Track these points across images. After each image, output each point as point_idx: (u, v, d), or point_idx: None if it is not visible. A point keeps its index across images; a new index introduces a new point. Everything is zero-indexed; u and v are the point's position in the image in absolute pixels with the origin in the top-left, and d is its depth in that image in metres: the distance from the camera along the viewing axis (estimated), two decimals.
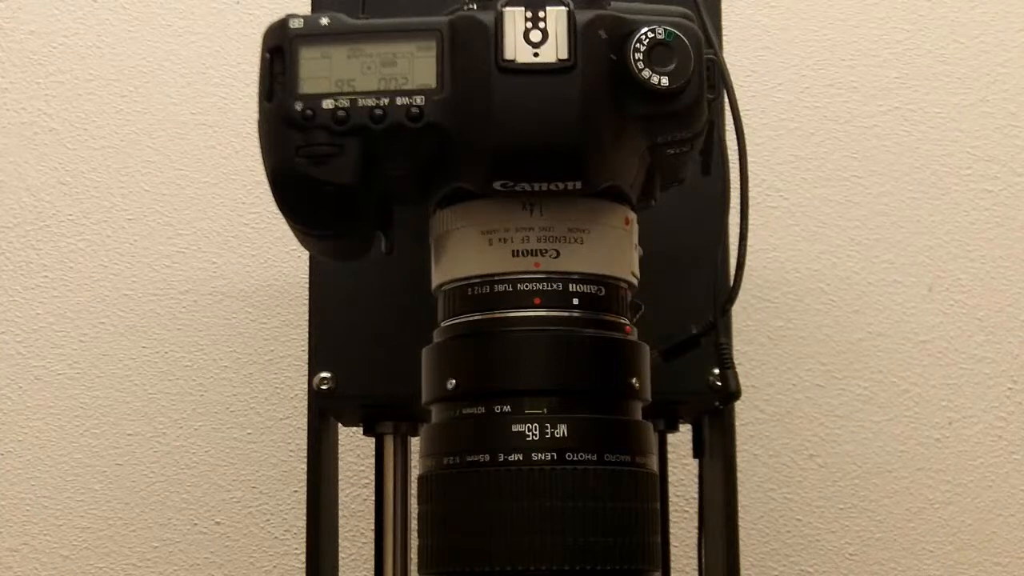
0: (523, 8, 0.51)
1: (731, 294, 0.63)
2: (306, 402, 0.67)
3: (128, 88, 0.99)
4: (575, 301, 0.53)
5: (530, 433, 0.51)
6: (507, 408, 0.52)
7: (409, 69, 0.51)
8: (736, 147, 0.61)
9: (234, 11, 1.00)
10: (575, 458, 0.51)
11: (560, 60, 0.50)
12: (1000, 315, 0.96)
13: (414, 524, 0.61)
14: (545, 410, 0.52)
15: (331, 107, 0.51)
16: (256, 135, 0.53)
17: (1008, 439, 0.95)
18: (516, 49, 0.50)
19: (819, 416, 0.95)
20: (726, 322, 0.65)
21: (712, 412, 0.69)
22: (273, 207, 0.53)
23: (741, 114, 0.60)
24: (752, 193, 0.63)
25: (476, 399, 0.53)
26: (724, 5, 0.69)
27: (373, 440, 0.74)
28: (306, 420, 0.68)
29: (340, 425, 0.74)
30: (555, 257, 0.54)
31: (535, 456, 0.51)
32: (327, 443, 0.69)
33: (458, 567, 0.52)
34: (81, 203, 0.97)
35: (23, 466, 0.95)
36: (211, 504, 0.95)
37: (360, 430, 0.75)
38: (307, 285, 0.68)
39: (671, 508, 0.84)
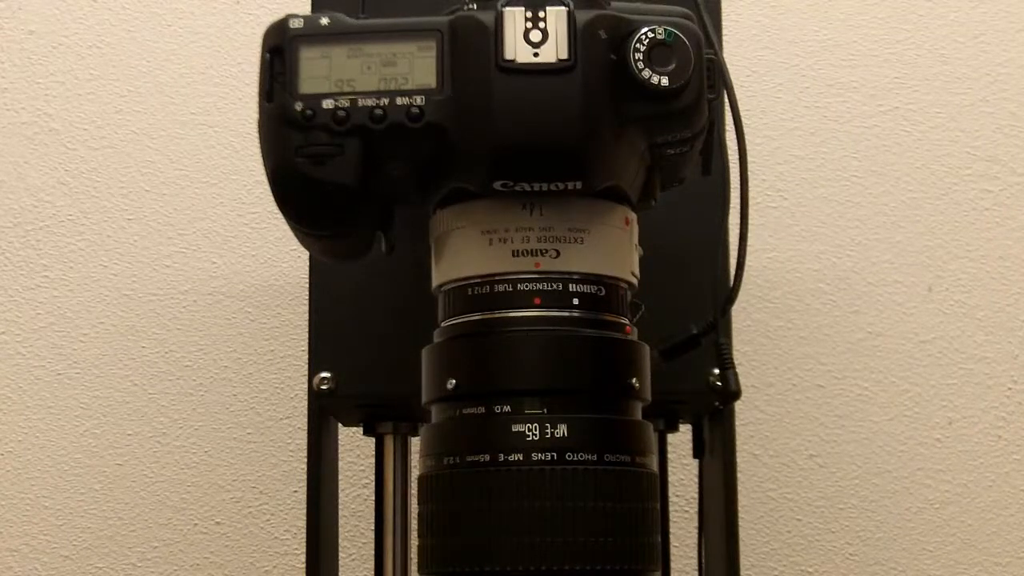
0: (523, 8, 0.51)
1: (731, 294, 0.63)
2: (306, 402, 0.67)
3: (128, 88, 0.99)
4: (575, 301, 0.53)
5: (530, 433, 0.51)
6: (507, 408, 0.52)
7: (409, 69, 0.51)
8: (736, 147, 0.61)
9: (234, 11, 1.00)
10: (575, 458, 0.51)
11: (560, 60, 0.50)
12: (1000, 315, 0.96)
13: (414, 524, 0.61)
14: (545, 410, 0.52)
15: (331, 107, 0.51)
16: (256, 135, 0.53)
17: (1008, 439, 0.95)
18: (516, 49, 0.50)
19: (819, 416, 0.95)
20: (726, 322, 0.65)
21: (712, 412, 0.69)
22: (273, 207, 0.53)
23: (741, 114, 0.60)
24: (752, 193, 0.63)
25: (476, 399, 0.53)
26: (724, 5, 0.69)
27: (373, 440, 0.74)
28: (306, 420, 0.68)
29: (340, 425, 0.74)
30: (555, 257, 0.54)
31: (535, 456, 0.51)
32: (327, 443, 0.69)
33: (458, 567, 0.52)
34: (81, 203, 0.97)
35: (23, 466, 0.95)
36: (211, 504, 0.95)
37: (360, 430, 0.75)
38: (307, 285, 0.68)
39: (671, 508, 0.84)
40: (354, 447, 0.93)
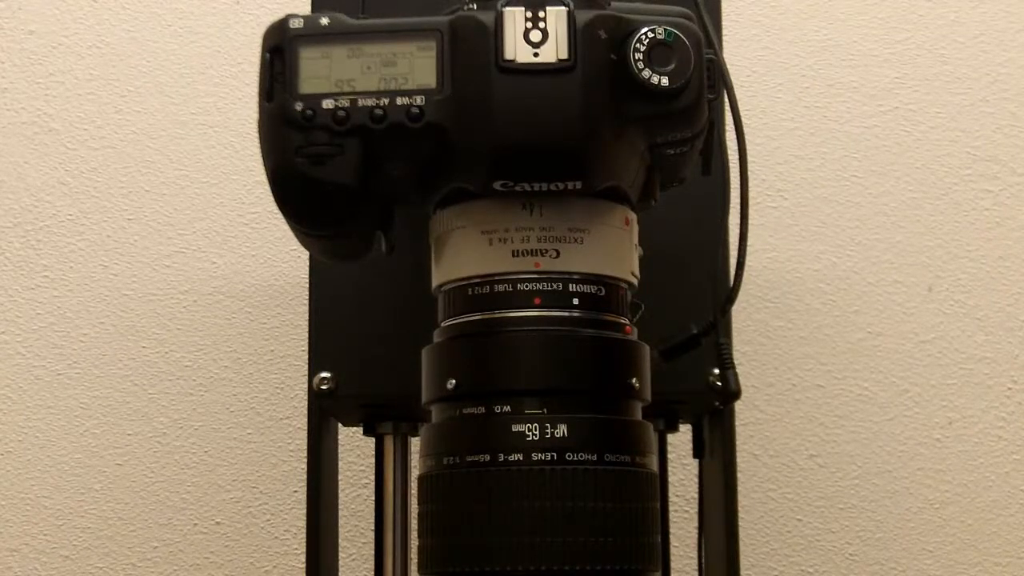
0: (523, 8, 0.51)
1: (731, 294, 0.63)
2: (306, 402, 0.67)
3: (128, 88, 0.99)
4: (575, 301, 0.53)
5: (530, 433, 0.51)
6: (507, 408, 0.52)
7: (409, 69, 0.51)
8: (736, 147, 0.61)
9: (234, 11, 1.00)
10: (575, 458, 0.51)
11: (560, 60, 0.50)
12: (1000, 315, 0.96)
13: (414, 524, 0.61)
14: (545, 410, 0.52)
15: (331, 107, 0.51)
16: (256, 135, 0.53)
17: (1008, 439, 0.95)
18: (516, 49, 0.50)
19: (819, 416, 0.95)
20: (726, 322, 0.65)
21: (712, 412, 0.69)
22: (273, 207, 0.53)
23: (741, 114, 0.60)
24: (752, 193, 0.63)
25: (476, 399, 0.53)
26: (724, 5, 0.69)
27: (373, 440, 0.74)
28: (306, 420, 0.68)
29: (340, 425, 0.74)
30: (555, 257, 0.54)
31: (535, 456, 0.51)
32: (327, 443, 0.69)
33: (458, 567, 0.52)
34: (81, 203, 0.98)
35: (23, 466, 0.95)
36: (211, 504, 0.95)
37: (360, 430, 0.75)
38: (307, 285, 0.68)
39: (671, 508, 0.84)
40: (354, 447, 0.93)
